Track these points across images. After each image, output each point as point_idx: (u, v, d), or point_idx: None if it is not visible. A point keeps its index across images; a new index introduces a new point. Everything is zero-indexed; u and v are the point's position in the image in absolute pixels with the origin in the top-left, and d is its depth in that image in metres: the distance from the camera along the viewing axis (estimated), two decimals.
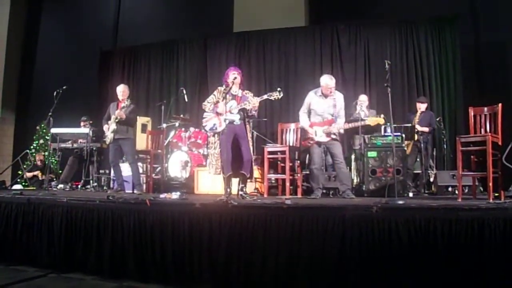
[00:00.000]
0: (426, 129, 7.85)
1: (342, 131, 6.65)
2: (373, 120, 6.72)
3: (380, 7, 10.27)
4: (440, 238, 3.84)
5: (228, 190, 6.06)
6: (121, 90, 7.85)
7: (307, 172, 7.43)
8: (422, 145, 7.82)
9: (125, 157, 8.02)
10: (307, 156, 7.70)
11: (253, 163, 6.39)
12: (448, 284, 3.77)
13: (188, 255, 4.66)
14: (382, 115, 6.75)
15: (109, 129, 7.59)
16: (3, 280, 4.79)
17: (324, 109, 6.57)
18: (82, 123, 9.68)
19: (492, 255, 3.69)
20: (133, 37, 12.29)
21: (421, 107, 8.08)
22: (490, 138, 5.29)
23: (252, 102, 6.12)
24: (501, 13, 9.13)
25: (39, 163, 10.90)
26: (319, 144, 6.56)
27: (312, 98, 6.68)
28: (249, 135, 6.36)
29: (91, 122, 9.61)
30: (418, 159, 8.02)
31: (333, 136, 6.51)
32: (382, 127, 7.74)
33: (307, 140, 6.67)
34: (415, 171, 8.09)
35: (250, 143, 6.34)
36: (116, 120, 7.51)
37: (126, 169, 8.05)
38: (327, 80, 6.58)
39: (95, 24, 12.92)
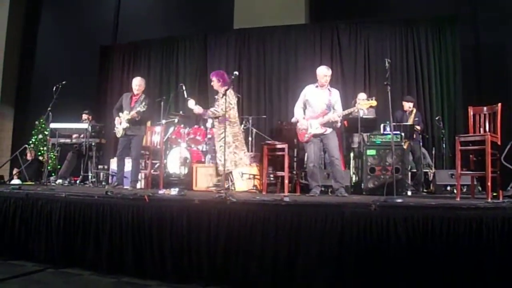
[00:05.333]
0: (419, 128, 7.95)
1: (338, 124, 6.62)
2: (365, 104, 6.68)
3: (381, 6, 10.30)
4: (438, 237, 3.85)
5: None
6: (137, 84, 7.80)
7: (306, 170, 7.43)
8: (420, 143, 7.87)
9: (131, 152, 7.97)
10: (306, 153, 7.71)
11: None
12: (446, 283, 3.77)
13: (186, 251, 4.65)
14: (373, 98, 6.75)
15: (121, 123, 7.59)
16: (1, 274, 4.78)
17: (318, 100, 6.57)
18: (84, 116, 9.65)
19: (490, 254, 3.70)
20: (133, 33, 12.27)
21: (410, 106, 8.14)
22: (489, 138, 5.29)
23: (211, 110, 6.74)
24: (501, 14, 9.14)
25: (29, 158, 10.80)
26: (315, 136, 6.54)
27: (307, 90, 6.71)
28: (221, 136, 6.57)
29: (90, 117, 9.60)
30: (411, 158, 8.06)
31: (329, 128, 6.51)
32: (381, 126, 7.74)
33: (302, 134, 6.64)
34: (412, 170, 8.11)
35: (219, 145, 6.58)
36: (129, 118, 7.50)
37: (127, 165, 8.04)
38: (323, 70, 6.65)
39: (95, 20, 12.90)
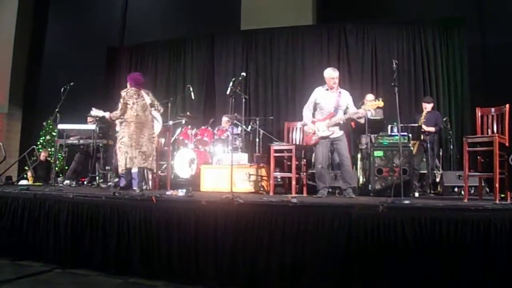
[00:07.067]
0: (432, 129, 7.84)
1: (362, 120, 6.61)
2: (372, 105, 6.66)
3: (388, 7, 10.29)
4: (445, 238, 3.84)
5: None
6: None
7: (313, 171, 7.42)
8: (428, 145, 7.81)
9: None
10: (313, 154, 7.69)
11: None
12: (453, 285, 3.76)
13: (193, 252, 4.67)
14: (380, 98, 6.71)
15: None
16: (9, 275, 4.82)
17: (328, 102, 6.54)
18: (89, 119, 9.67)
19: (498, 256, 3.68)
20: (140, 34, 12.34)
21: (427, 107, 8.07)
22: (497, 139, 5.27)
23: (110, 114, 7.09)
24: (508, 15, 9.11)
25: (42, 158, 10.92)
26: (323, 138, 6.53)
27: (318, 93, 6.65)
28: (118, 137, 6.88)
29: (97, 118, 9.62)
30: (424, 159, 8.01)
31: (337, 130, 6.49)
32: (389, 127, 7.72)
33: (309, 137, 6.64)
34: (421, 171, 8.07)
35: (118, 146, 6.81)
36: None
37: None
38: (330, 72, 6.59)
39: (103, 21, 12.97)
